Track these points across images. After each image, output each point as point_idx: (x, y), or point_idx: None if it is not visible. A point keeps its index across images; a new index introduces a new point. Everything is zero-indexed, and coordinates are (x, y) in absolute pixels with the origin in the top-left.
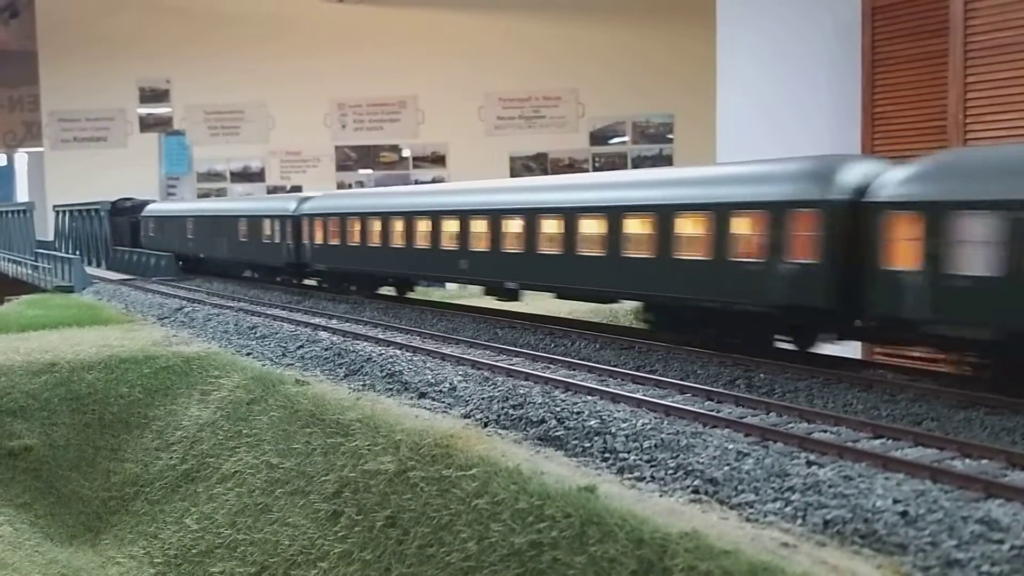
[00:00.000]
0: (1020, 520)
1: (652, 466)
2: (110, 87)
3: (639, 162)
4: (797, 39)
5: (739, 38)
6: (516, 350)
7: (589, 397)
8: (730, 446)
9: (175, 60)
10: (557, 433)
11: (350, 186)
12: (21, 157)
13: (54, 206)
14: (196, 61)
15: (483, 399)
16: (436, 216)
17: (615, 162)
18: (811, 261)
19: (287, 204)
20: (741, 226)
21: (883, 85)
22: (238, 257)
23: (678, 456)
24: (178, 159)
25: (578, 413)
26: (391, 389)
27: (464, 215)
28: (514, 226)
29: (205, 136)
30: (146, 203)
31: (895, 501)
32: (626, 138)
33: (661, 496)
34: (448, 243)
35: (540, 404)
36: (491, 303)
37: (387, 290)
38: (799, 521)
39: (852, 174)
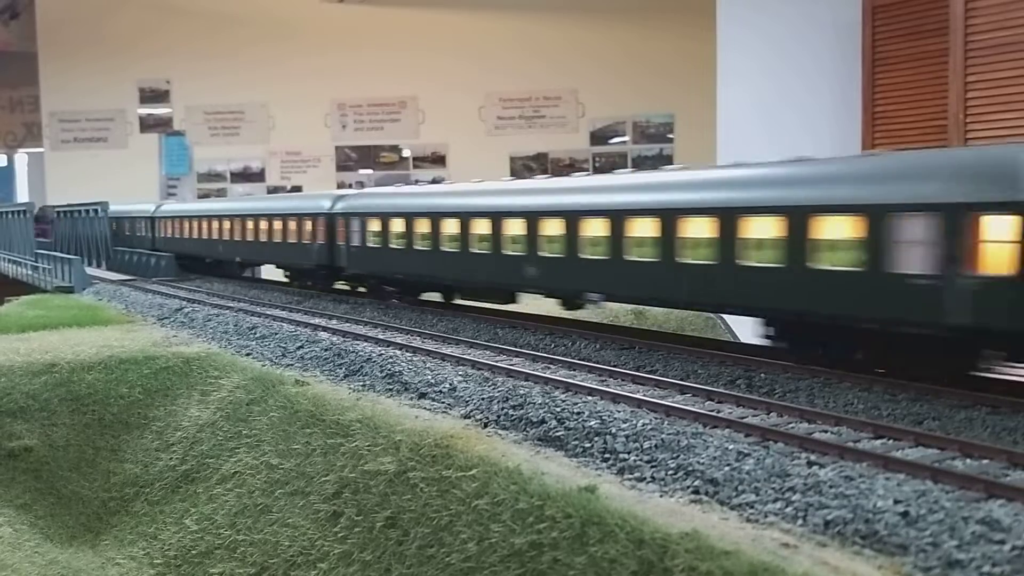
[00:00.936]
0: (1022, 520)
1: (652, 466)
2: (110, 88)
3: (639, 162)
4: (797, 39)
5: (739, 38)
6: (516, 350)
7: (589, 397)
8: (731, 446)
9: (175, 61)
10: (557, 433)
11: (350, 186)
12: (21, 158)
13: (53, 207)
14: (196, 61)
15: (483, 399)
16: (497, 217)
17: (615, 162)
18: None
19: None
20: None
21: (884, 84)
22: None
23: (678, 456)
24: (178, 160)
25: (578, 413)
26: (391, 389)
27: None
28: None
29: (205, 136)
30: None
31: (896, 501)
32: (626, 138)
33: (661, 496)
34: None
35: (540, 404)
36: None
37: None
38: (800, 521)
39: None
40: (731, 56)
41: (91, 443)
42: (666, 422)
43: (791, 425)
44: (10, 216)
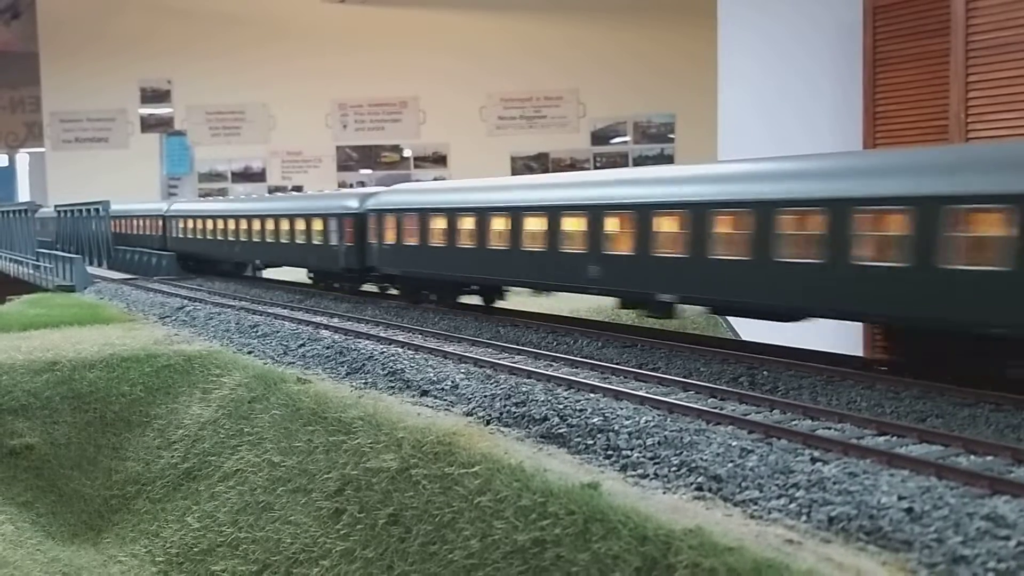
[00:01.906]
0: None
1: (655, 463)
2: (111, 88)
3: (640, 162)
4: (798, 38)
5: (740, 38)
6: (518, 348)
7: (592, 395)
8: (734, 443)
9: (176, 61)
10: (560, 431)
11: (351, 186)
12: (22, 158)
13: (55, 206)
14: (197, 62)
15: (485, 397)
16: (555, 212)
17: (616, 162)
18: None
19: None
20: None
21: (884, 84)
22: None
23: (681, 453)
24: (179, 159)
25: (581, 411)
26: (393, 387)
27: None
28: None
29: (206, 136)
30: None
31: (900, 498)
32: (627, 138)
33: (665, 493)
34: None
35: (543, 402)
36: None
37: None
38: (804, 518)
39: None
40: (732, 56)
41: (93, 441)
42: (669, 419)
43: (794, 422)
44: (12, 216)
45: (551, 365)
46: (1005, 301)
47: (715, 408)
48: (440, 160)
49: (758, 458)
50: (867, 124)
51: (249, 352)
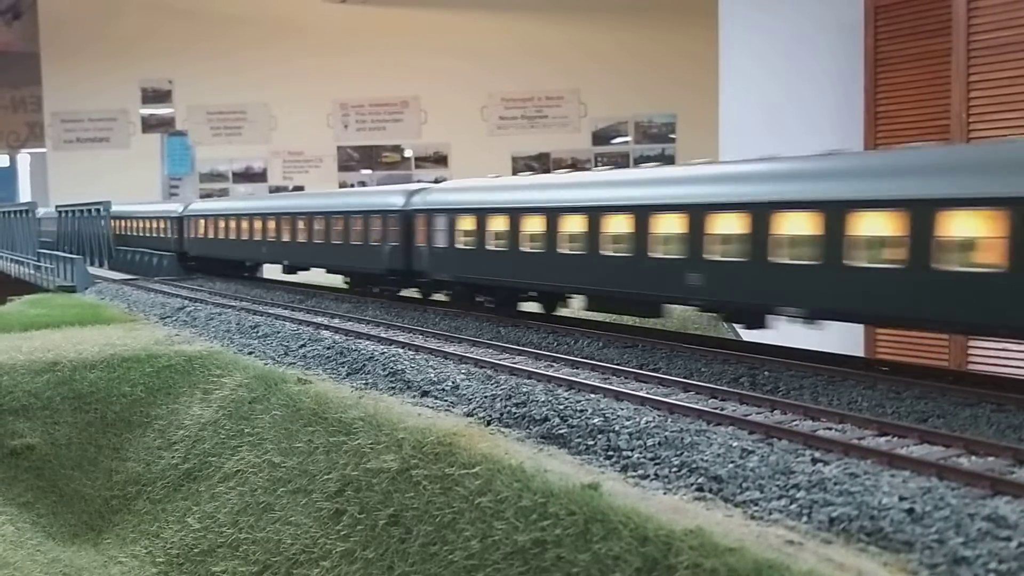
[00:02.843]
0: None
1: (656, 464)
2: (112, 88)
3: (642, 162)
4: (799, 38)
5: (741, 37)
6: (519, 348)
7: (592, 395)
8: (734, 444)
9: (177, 61)
10: (560, 431)
11: (351, 186)
12: (24, 158)
13: (56, 207)
14: (198, 62)
15: (486, 397)
16: (643, 212)
17: (617, 162)
18: None
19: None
20: None
21: (886, 84)
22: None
23: (682, 454)
24: (180, 159)
25: (581, 411)
26: (393, 388)
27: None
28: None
29: (207, 136)
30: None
31: (901, 498)
32: (628, 138)
33: (665, 494)
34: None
35: (543, 402)
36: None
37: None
38: (805, 519)
39: None
40: (733, 55)
41: (93, 441)
42: (669, 420)
43: (795, 422)
44: (13, 216)
45: (552, 366)
46: None
47: (716, 409)
48: (441, 160)
49: (759, 459)
50: (868, 124)
51: (250, 353)
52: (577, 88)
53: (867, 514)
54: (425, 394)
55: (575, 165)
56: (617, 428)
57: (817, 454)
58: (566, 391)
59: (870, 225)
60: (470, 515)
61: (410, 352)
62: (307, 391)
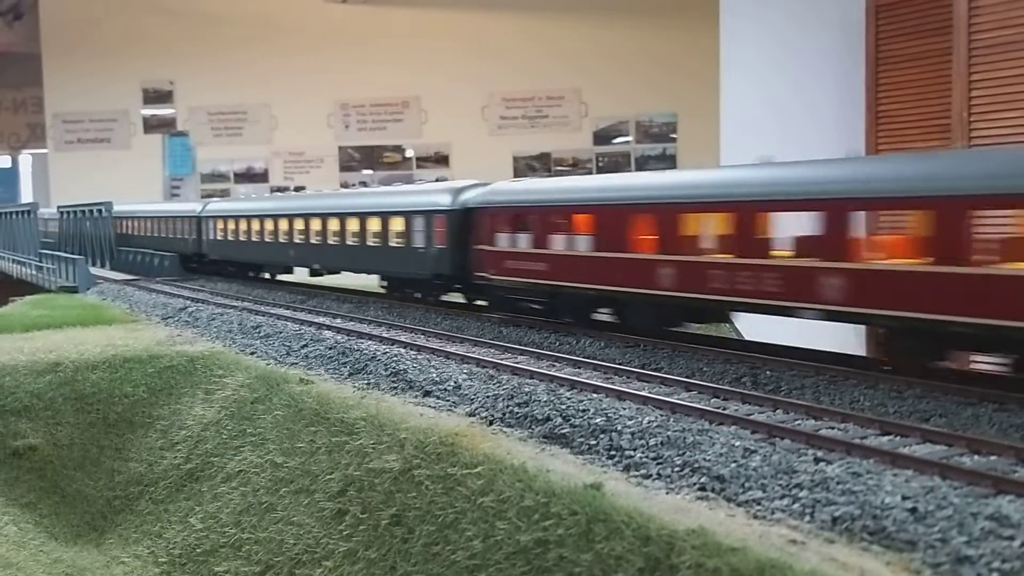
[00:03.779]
0: None
1: (658, 463)
2: (114, 88)
3: (643, 162)
4: (800, 38)
5: (742, 36)
6: (521, 348)
7: (595, 395)
8: (737, 443)
9: (178, 61)
10: (563, 431)
11: (352, 186)
12: (25, 159)
13: (57, 207)
14: (199, 62)
15: (488, 397)
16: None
17: (619, 162)
18: None
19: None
20: None
21: (887, 83)
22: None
23: (684, 453)
24: (182, 160)
25: (584, 411)
26: (396, 387)
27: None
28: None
29: (208, 137)
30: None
31: (904, 498)
32: (629, 138)
33: (668, 493)
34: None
35: (545, 402)
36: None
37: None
38: (807, 518)
39: None
40: (735, 54)
41: (96, 442)
42: (672, 419)
43: (797, 422)
44: (14, 216)
45: (554, 365)
46: None
47: (718, 408)
48: (442, 160)
49: (761, 458)
50: (869, 123)
51: (252, 353)
52: (578, 88)
53: (870, 513)
54: (427, 394)
55: (576, 165)
56: (619, 428)
57: (820, 453)
58: (568, 391)
59: None
60: (472, 515)
61: (412, 352)
62: (309, 391)
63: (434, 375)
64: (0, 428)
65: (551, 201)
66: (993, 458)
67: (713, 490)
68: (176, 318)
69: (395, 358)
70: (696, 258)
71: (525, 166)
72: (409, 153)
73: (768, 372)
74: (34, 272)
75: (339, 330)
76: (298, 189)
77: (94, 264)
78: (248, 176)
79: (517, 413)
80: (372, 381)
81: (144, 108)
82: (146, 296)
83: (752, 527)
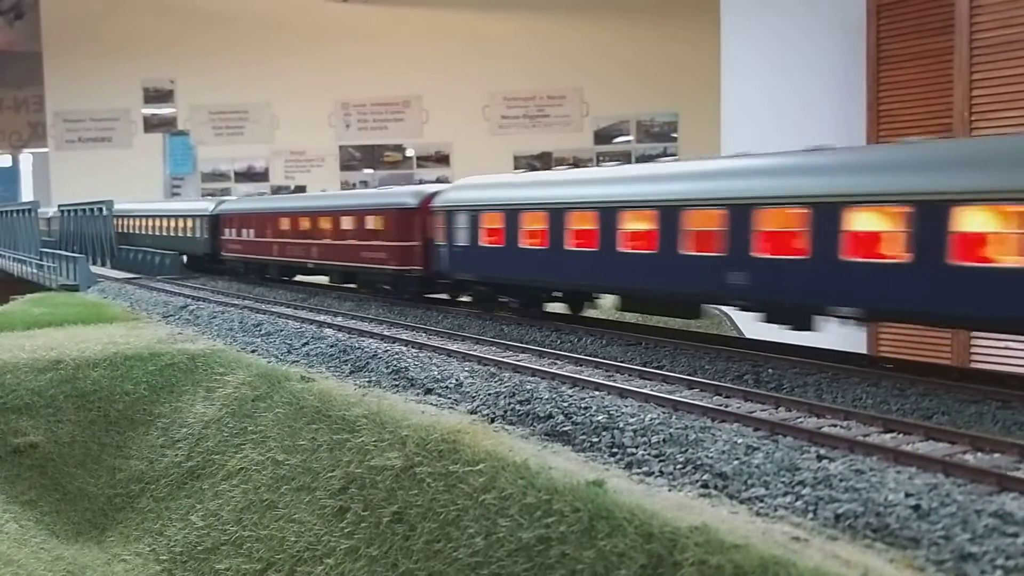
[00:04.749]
0: None
1: (661, 461)
2: (114, 87)
3: (644, 161)
4: (802, 37)
5: (743, 35)
6: (522, 346)
7: (596, 392)
8: (739, 440)
9: (179, 60)
10: (564, 428)
11: (354, 186)
12: (26, 157)
13: (58, 206)
14: (200, 61)
15: (490, 395)
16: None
17: (620, 161)
18: None
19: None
20: None
21: (888, 82)
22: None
23: (687, 451)
24: (182, 159)
25: (585, 408)
26: (397, 385)
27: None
28: None
29: (209, 136)
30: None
31: (907, 495)
32: (630, 137)
33: (670, 491)
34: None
35: (547, 400)
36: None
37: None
38: (810, 515)
39: None
40: (735, 54)
41: (96, 439)
42: (674, 416)
43: (800, 419)
44: (15, 215)
45: (555, 363)
46: None
47: (720, 405)
48: (443, 159)
49: (764, 455)
50: (871, 122)
51: (253, 351)
52: (579, 87)
53: (873, 510)
54: (429, 392)
55: (577, 164)
56: (621, 425)
57: (822, 451)
58: (570, 388)
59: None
60: (474, 512)
61: (413, 350)
62: (310, 389)
63: (435, 373)
64: (1, 425)
65: (246, 212)
66: (996, 455)
67: (716, 487)
68: (177, 316)
69: (396, 356)
70: (287, 240)
71: (526, 165)
72: (410, 153)
73: (770, 370)
74: (35, 271)
75: (340, 328)
76: (299, 189)
77: (95, 262)
78: (249, 175)
79: (519, 411)
80: (373, 379)
81: (145, 107)
82: (147, 294)
83: (755, 524)
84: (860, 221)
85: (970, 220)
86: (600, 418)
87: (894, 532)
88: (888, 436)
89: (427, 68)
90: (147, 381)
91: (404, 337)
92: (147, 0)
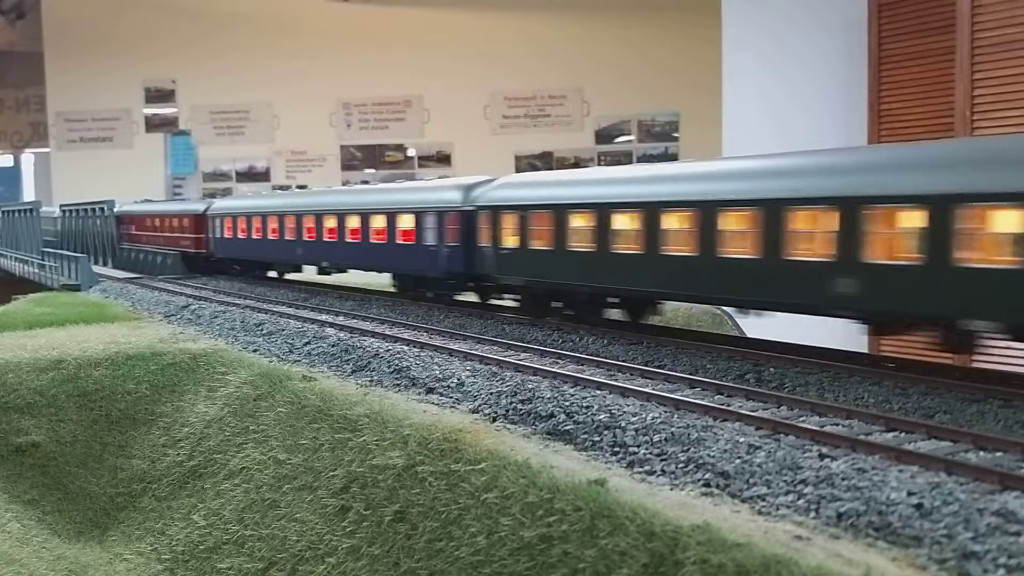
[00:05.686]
0: None
1: (662, 460)
2: (116, 87)
3: (644, 161)
4: (803, 36)
5: (744, 35)
6: (524, 345)
7: (598, 392)
8: (741, 439)
9: (181, 60)
10: (566, 427)
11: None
12: (28, 158)
13: (60, 206)
14: (202, 61)
15: (491, 394)
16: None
17: (621, 161)
18: None
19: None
20: None
21: (889, 82)
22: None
23: (688, 450)
24: (184, 159)
25: (587, 407)
26: (399, 384)
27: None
28: None
29: (211, 136)
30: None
31: (910, 493)
32: (631, 137)
33: (672, 489)
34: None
35: (549, 399)
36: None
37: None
38: (812, 514)
39: None
40: (737, 53)
41: (98, 439)
42: (676, 416)
43: (802, 418)
44: (17, 215)
45: (557, 362)
46: None
47: (722, 404)
48: (444, 159)
49: (765, 454)
50: (872, 121)
51: (254, 350)
52: (580, 87)
53: (875, 509)
54: (430, 391)
55: (578, 164)
56: (623, 424)
57: (824, 449)
58: (572, 387)
59: None
60: (476, 511)
61: (415, 349)
62: (312, 388)
63: (437, 372)
64: (3, 425)
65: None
66: (999, 454)
67: (717, 486)
68: (179, 316)
69: (398, 355)
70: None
71: (527, 165)
72: (411, 152)
73: (772, 369)
74: (37, 270)
75: (342, 327)
76: (300, 188)
77: (96, 262)
78: (250, 175)
79: (520, 410)
80: (375, 378)
81: (146, 107)
82: (148, 294)
83: (757, 523)
84: None
85: None
86: (602, 417)
87: (896, 531)
88: (890, 435)
89: (428, 68)
90: (149, 380)
91: (406, 337)
92: (148, 0)
